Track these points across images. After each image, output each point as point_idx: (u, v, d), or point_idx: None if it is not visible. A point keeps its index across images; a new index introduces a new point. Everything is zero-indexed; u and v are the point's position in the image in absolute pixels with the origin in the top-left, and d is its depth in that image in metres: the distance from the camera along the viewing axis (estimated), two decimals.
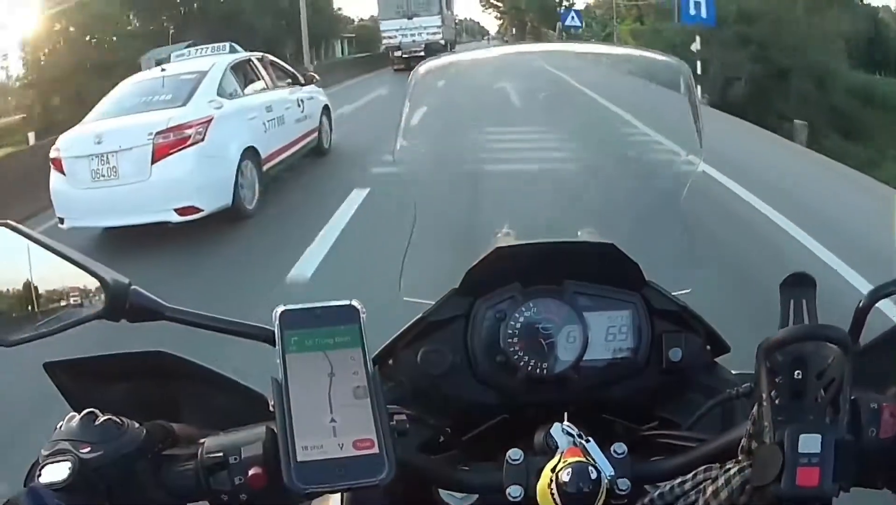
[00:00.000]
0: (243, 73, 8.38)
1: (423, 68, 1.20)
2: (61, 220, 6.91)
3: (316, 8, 35.24)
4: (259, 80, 8.57)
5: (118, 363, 0.94)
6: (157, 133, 6.66)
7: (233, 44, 8.86)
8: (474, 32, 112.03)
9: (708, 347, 1.06)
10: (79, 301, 0.87)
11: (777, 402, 0.78)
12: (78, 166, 6.80)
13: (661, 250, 1.26)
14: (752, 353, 0.80)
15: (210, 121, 6.94)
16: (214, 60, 8.12)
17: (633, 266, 1.05)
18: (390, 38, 30.54)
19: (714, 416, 0.97)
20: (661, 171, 1.40)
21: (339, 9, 46.79)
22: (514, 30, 71.99)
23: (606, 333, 1.04)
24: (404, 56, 29.89)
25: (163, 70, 8.04)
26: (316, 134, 9.90)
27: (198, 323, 0.89)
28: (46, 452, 0.75)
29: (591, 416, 0.99)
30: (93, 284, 0.86)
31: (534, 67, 1.52)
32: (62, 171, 6.90)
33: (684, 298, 1.08)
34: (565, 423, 0.87)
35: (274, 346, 0.74)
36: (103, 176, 6.75)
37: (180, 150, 6.68)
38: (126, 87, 8.01)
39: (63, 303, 0.87)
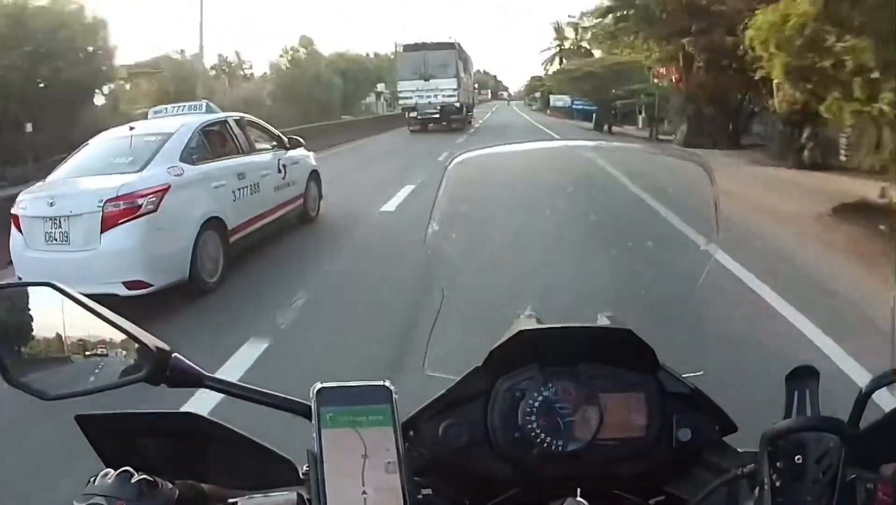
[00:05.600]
0: (217, 135, 7.76)
1: (456, 160, 1.27)
2: (20, 279, 6.29)
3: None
4: (234, 143, 7.94)
5: (150, 421, 0.99)
6: (108, 201, 6.05)
7: (209, 103, 8.26)
8: (489, 87, 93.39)
9: (717, 427, 1.10)
10: (120, 362, 0.91)
11: (778, 484, 0.87)
12: (33, 227, 6.32)
13: (677, 334, 1.31)
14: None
15: (166, 189, 6.30)
16: (184, 121, 7.50)
17: (648, 351, 1.09)
18: (406, 98, 30.96)
19: (720, 493, 0.99)
20: (678, 260, 1.44)
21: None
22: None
23: (620, 414, 1.07)
24: (419, 117, 30.43)
25: (131, 129, 7.44)
26: (301, 201, 9.29)
27: (236, 393, 0.93)
28: None
29: (602, 490, 1.06)
30: (134, 346, 0.90)
31: (563, 162, 1.59)
32: (20, 230, 6.41)
33: (696, 381, 1.12)
34: (578, 498, 0.95)
35: (310, 420, 0.81)
36: (55, 240, 6.22)
37: (130, 220, 6.04)
38: (94, 145, 7.47)
39: (103, 363, 0.90)
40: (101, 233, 6.04)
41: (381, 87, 48.78)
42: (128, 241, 6.02)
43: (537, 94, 67.98)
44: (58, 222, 6.18)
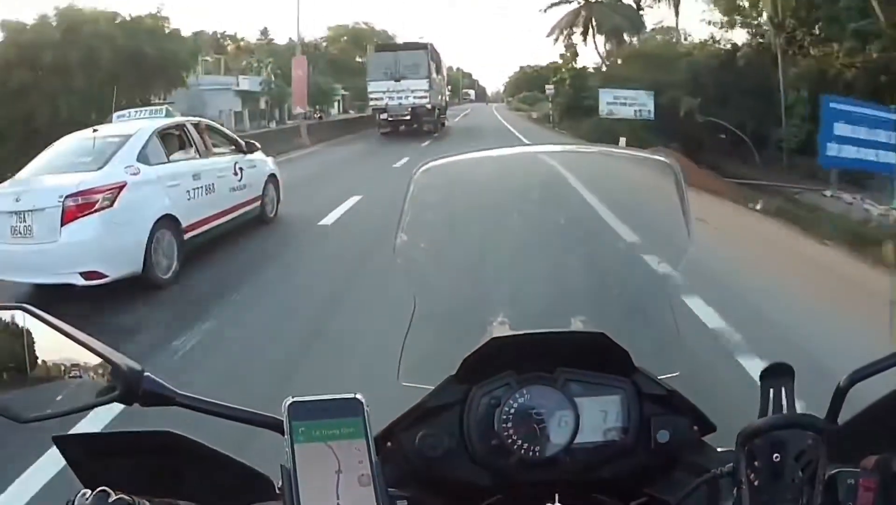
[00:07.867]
0: (174, 138, 8.31)
1: (422, 168, 1.27)
2: None
3: None
4: (191, 146, 8.50)
5: (127, 441, 0.99)
6: (67, 196, 6.58)
7: (169, 108, 8.81)
8: (461, 86, 76.72)
9: (695, 428, 1.10)
10: (93, 383, 0.91)
11: (756, 484, 0.85)
12: (0, 221, 6.77)
13: (651, 336, 1.33)
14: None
15: (122, 187, 6.84)
16: (143, 125, 8.06)
17: (622, 353, 1.09)
18: (377, 99, 30.22)
19: (701, 493, 1.00)
20: (650, 261, 1.44)
21: None
22: None
23: (597, 418, 1.08)
24: (390, 119, 29.83)
25: (94, 131, 7.96)
26: (258, 202, 9.83)
27: (209, 410, 0.94)
28: None
29: (582, 495, 1.07)
30: (107, 367, 0.91)
31: (530, 167, 1.56)
32: None
33: (672, 382, 1.12)
34: (556, 503, 0.97)
35: (283, 434, 0.79)
36: (20, 233, 6.73)
37: (87, 214, 6.58)
38: (60, 146, 8.01)
39: (77, 384, 0.91)
40: (62, 226, 6.56)
41: (252, 82, 35.13)
42: (85, 234, 6.56)
43: (550, 90, 39.52)
44: (22, 217, 6.68)
